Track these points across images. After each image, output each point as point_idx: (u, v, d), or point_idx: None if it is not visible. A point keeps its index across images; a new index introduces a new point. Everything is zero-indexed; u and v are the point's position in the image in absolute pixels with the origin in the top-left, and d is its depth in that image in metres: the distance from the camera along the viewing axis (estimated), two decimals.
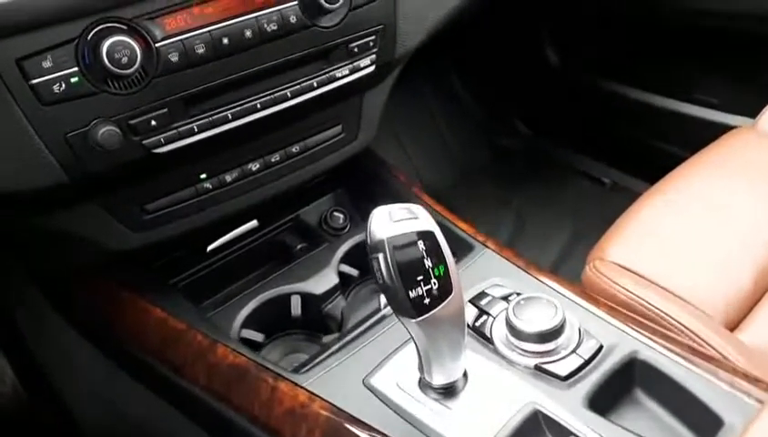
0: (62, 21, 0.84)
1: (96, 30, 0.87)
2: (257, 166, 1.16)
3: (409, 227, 0.75)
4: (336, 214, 1.38)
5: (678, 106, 2.06)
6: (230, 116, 1.02)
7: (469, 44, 2.45)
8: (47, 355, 1.47)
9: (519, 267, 1.10)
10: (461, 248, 1.17)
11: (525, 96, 2.60)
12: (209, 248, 1.25)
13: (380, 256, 0.74)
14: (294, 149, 1.20)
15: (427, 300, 0.75)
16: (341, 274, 1.23)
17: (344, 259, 1.26)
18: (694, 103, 2.02)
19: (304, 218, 1.37)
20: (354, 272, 1.26)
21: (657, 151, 2.14)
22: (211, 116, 1.00)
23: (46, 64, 0.84)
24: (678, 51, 2.05)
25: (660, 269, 1.22)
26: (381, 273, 0.74)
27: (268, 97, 1.05)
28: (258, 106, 1.05)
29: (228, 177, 1.13)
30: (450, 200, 2.37)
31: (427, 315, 0.75)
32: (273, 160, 1.18)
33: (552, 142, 2.53)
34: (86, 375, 1.35)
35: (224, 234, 1.26)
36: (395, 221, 0.75)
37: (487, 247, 1.16)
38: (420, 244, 0.75)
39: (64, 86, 0.85)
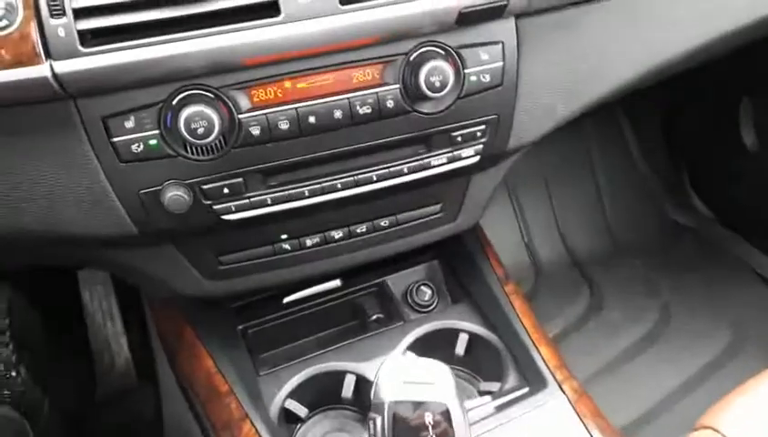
0: (151, 84, 0.86)
1: (181, 96, 0.87)
2: (341, 234, 1.11)
3: (421, 394, 0.66)
4: (423, 288, 1.30)
5: None
6: (307, 193, 0.99)
7: (650, 102, 2.18)
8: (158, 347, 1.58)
9: (593, 430, 0.93)
10: (532, 380, 1.03)
11: (709, 171, 2.25)
12: (285, 300, 1.24)
13: (378, 420, 0.66)
14: (383, 223, 1.13)
15: None
16: None
17: (413, 346, 1.18)
18: None
19: (389, 286, 1.31)
20: None
21: None
22: (287, 190, 0.98)
23: (129, 124, 0.86)
24: None
25: None
26: None
27: (351, 179, 1.00)
28: (339, 185, 1.00)
29: (309, 242, 1.10)
30: (587, 269, 2.18)
31: None
32: (358, 231, 1.12)
33: (730, 229, 2.18)
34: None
35: (303, 287, 1.24)
36: (406, 382, 0.67)
37: (562, 390, 1.00)
38: (428, 418, 0.65)
39: (142, 146, 0.87)
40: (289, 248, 1.10)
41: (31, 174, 0.87)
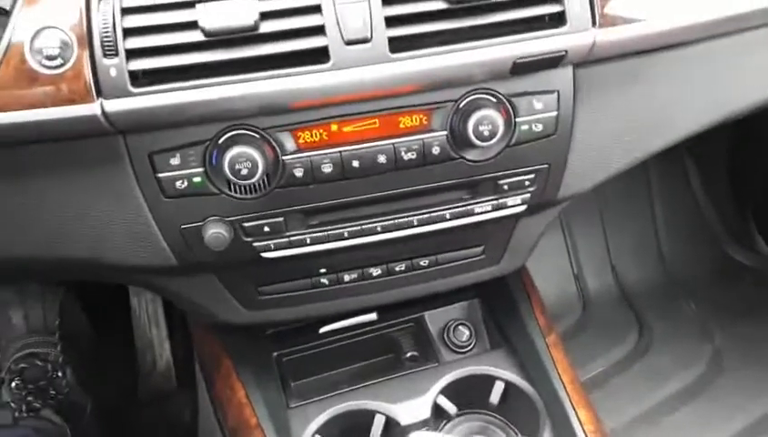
0: (199, 123, 0.86)
1: (227, 136, 0.87)
2: (379, 271, 1.10)
3: None
4: (461, 328, 1.28)
5: None
6: (346, 234, 0.98)
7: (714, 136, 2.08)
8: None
9: None
10: None
11: None
12: (322, 330, 1.24)
13: None
14: (422, 262, 1.11)
15: None
16: (437, 406, 1.14)
17: (446, 390, 1.15)
18: None
19: (426, 322, 1.28)
20: (451, 408, 1.15)
21: None
22: (327, 230, 0.97)
23: (175, 161, 0.87)
24: None
25: None
26: None
27: (391, 222, 0.98)
28: (379, 228, 0.98)
29: (347, 277, 1.09)
30: (637, 306, 2.09)
31: None
32: (397, 269, 1.11)
33: None
34: None
35: (340, 318, 1.23)
36: None
37: None
38: None
39: (186, 183, 0.88)
40: (327, 282, 1.09)
41: (77, 205, 0.89)
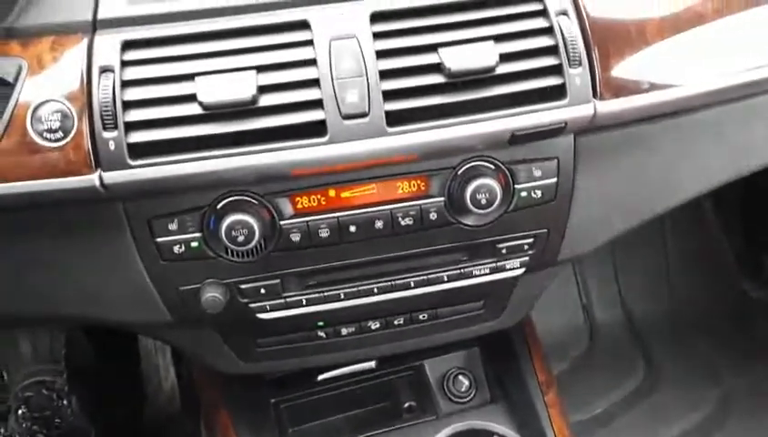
0: (197, 190, 0.87)
1: (225, 201, 0.88)
2: (377, 325, 1.10)
3: None
4: (461, 378, 1.27)
5: None
6: (343, 296, 0.98)
7: None
8: None
9: None
10: None
11: None
12: (320, 377, 1.24)
13: None
14: (421, 317, 1.11)
15: None
16: None
17: None
18: None
19: (426, 371, 1.28)
20: None
21: None
22: (323, 292, 0.97)
23: (172, 226, 0.88)
24: None
25: None
26: None
27: (388, 284, 0.98)
28: (375, 290, 0.98)
29: (345, 330, 1.09)
30: (646, 341, 2.05)
31: None
32: (395, 323, 1.10)
33: None
34: None
35: (338, 366, 1.24)
36: None
37: None
38: None
39: (184, 248, 0.89)
40: (325, 335, 1.09)
41: (75, 266, 0.91)
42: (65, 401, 1.58)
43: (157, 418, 1.87)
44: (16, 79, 0.79)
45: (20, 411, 1.53)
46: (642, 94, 0.91)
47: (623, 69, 0.91)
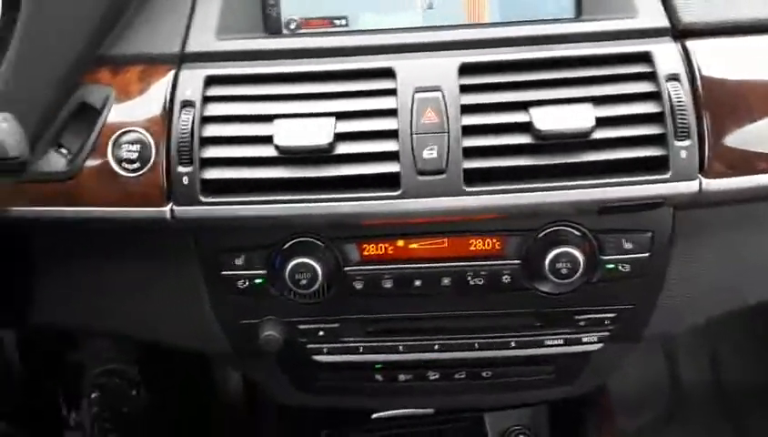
0: (267, 228, 0.85)
1: (291, 242, 0.86)
2: (437, 375, 1.05)
3: None
4: None
5: None
6: (402, 348, 0.94)
7: None
8: None
9: None
10: None
11: None
12: (374, 415, 1.21)
13: None
14: (484, 373, 1.05)
15: None
16: None
17: None
18: None
19: (486, 425, 1.22)
20: None
21: None
22: (382, 342, 0.94)
23: (239, 261, 0.87)
24: None
25: None
26: None
27: (451, 342, 0.93)
28: (437, 347, 0.94)
29: (402, 377, 1.05)
30: (736, 406, 1.86)
31: None
32: (456, 376, 1.05)
33: None
34: None
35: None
36: None
37: None
38: None
39: (248, 283, 0.88)
40: (381, 378, 1.06)
41: (143, 291, 0.92)
42: (135, 391, 1.63)
43: (222, 417, 1.91)
44: (103, 106, 0.81)
45: (92, 396, 1.59)
46: (756, 176, 0.80)
47: (737, 142, 0.81)
